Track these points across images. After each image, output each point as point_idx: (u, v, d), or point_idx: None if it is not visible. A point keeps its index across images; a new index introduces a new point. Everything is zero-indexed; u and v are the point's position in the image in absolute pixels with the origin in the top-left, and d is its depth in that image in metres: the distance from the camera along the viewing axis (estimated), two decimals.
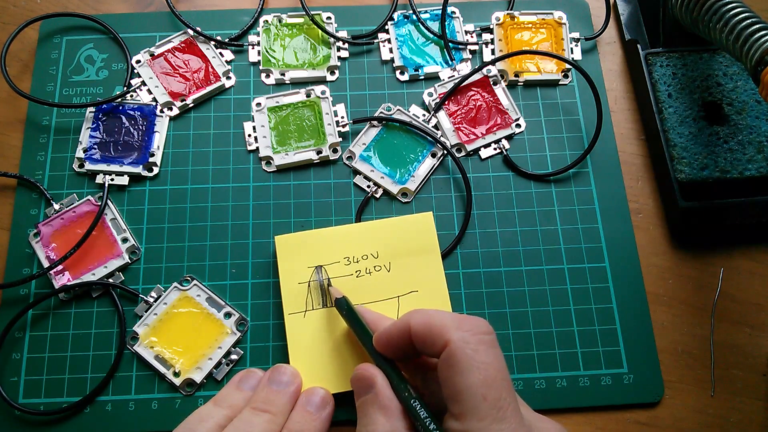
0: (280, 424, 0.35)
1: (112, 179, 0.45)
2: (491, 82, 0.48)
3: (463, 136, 0.47)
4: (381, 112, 0.47)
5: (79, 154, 0.45)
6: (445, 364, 0.30)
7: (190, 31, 0.49)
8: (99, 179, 0.45)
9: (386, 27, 0.50)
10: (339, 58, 0.49)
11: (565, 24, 0.50)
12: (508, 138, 0.47)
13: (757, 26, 0.38)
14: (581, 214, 0.45)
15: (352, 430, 0.39)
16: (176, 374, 0.40)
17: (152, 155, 0.45)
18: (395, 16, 0.50)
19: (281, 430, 0.34)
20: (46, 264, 0.42)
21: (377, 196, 0.45)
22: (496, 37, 0.50)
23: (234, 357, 0.41)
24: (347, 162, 0.46)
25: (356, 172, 0.46)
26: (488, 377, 0.29)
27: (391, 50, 0.49)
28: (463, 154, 0.47)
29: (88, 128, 0.46)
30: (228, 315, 0.42)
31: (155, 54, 0.48)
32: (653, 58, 0.47)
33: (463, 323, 0.31)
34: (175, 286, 0.42)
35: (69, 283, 0.42)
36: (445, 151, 0.46)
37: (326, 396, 0.37)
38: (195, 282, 0.42)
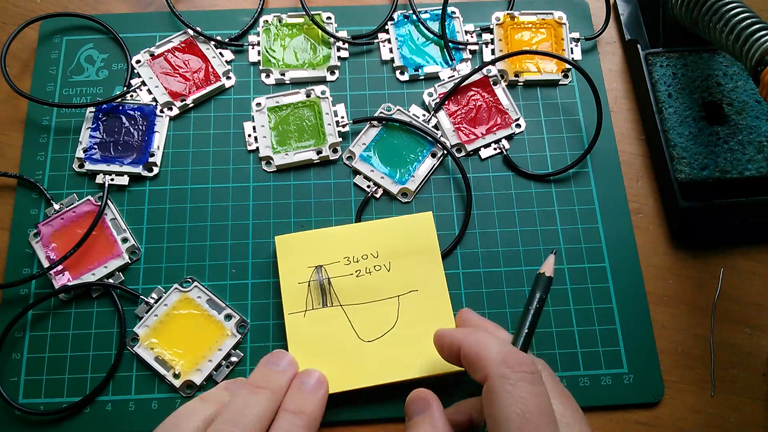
0: (278, 403, 0.35)
1: (112, 179, 0.45)
2: (491, 82, 0.48)
3: (463, 136, 0.47)
4: (381, 112, 0.47)
5: (79, 154, 0.45)
6: (486, 397, 0.30)
7: (190, 31, 0.49)
8: (99, 179, 0.45)
9: (386, 27, 0.50)
10: (339, 58, 0.49)
11: (565, 24, 0.50)
12: (508, 138, 0.47)
13: (757, 26, 0.38)
14: (581, 214, 0.45)
15: (353, 430, 0.40)
16: (176, 376, 0.40)
17: (152, 155, 0.45)
18: (395, 16, 0.50)
19: (278, 409, 0.34)
20: (46, 264, 0.42)
21: (377, 196, 0.45)
22: (496, 37, 0.50)
23: (234, 359, 0.41)
24: (347, 162, 0.46)
25: (356, 172, 0.46)
26: (525, 411, 0.29)
27: (391, 50, 0.49)
28: (463, 154, 0.47)
29: (88, 128, 0.46)
30: (228, 317, 0.42)
31: (155, 54, 0.48)
32: (653, 58, 0.47)
33: (509, 358, 0.31)
34: (176, 288, 0.42)
35: (69, 284, 0.42)
36: (445, 151, 0.46)
37: (321, 377, 0.37)
38: (196, 283, 0.42)
